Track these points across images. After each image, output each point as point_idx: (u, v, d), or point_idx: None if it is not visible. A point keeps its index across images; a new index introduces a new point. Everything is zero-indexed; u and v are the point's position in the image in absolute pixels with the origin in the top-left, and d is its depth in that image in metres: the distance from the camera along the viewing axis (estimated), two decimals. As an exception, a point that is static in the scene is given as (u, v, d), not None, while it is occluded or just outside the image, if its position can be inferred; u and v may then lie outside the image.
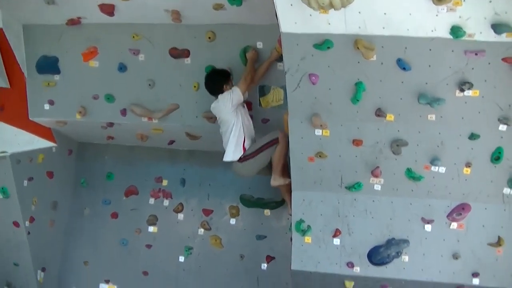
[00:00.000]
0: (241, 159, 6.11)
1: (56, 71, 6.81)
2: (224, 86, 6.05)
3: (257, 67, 6.17)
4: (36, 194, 7.38)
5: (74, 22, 6.55)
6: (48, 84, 6.85)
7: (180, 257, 7.59)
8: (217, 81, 6.09)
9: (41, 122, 7.22)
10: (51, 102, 6.89)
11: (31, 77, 6.87)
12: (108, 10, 6.20)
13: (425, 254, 5.60)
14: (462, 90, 4.85)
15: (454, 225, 5.47)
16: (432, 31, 4.63)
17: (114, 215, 7.82)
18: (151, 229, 7.68)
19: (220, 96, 6.03)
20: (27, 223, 7.25)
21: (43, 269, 7.69)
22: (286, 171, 6.21)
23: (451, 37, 4.61)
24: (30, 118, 7.03)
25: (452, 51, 4.71)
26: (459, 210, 5.41)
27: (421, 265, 5.61)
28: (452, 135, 5.16)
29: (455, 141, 5.18)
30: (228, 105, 5.92)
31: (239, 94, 5.93)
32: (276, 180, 6.23)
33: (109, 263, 7.85)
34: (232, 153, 6.09)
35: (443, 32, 4.61)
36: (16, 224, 7.20)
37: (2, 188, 7.00)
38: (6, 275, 7.57)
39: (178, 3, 6.00)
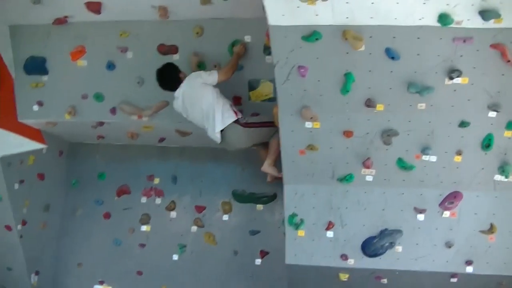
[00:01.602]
0: (246, 124, 5.98)
1: (44, 71, 6.78)
2: (180, 75, 6.02)
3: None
4: (28, 196, 7.32)
5: (60, 22, 6.53)
6: (37, 85, 6.81)
7: (174, 255, 7.54)
8: (170, 74, 6.05)
9: (30, 124, 7.16)
10: (40, 103, 6.85)
11: (19, 78, 6.83)
12: (95, 8, 6.19)
13: (418, 243, 5.59)
14: (451, 78, 4.84)
15: (446, 213, 5.47)
16: (420, 19, 4.62)
17: (107, 215, 7.78)
18: (144, 228, 7.64)
19: (188, 76, 5.96)
20: (19, 226, 7.19)
21: (37, 273, 7.64)
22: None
23: (439, 24, 4.60)
24: (19, 120, 6.98)
25: (441, 39, 4.70)
26: (451, 199, 5.41)
27: (415, 255, 5.61)
28: (442, 124, 5.15)
29: (445, 130, 5.17)
30: (199, 79, 5.85)
31: (215, 77, 5.88)
32: (269, 168, 6.24)
33: (103, 264, 7.80)
34: (221, 121, 5.89)
35: (431, 20, 4.60)
36: (8, 227, 7.14)
37: (-6, 192, 6.94)
38: (-1, 280, 7.54)
39: (165, -1, 6.01)
